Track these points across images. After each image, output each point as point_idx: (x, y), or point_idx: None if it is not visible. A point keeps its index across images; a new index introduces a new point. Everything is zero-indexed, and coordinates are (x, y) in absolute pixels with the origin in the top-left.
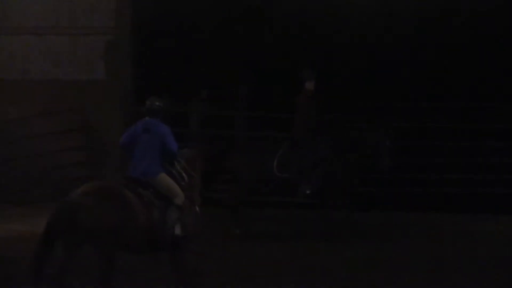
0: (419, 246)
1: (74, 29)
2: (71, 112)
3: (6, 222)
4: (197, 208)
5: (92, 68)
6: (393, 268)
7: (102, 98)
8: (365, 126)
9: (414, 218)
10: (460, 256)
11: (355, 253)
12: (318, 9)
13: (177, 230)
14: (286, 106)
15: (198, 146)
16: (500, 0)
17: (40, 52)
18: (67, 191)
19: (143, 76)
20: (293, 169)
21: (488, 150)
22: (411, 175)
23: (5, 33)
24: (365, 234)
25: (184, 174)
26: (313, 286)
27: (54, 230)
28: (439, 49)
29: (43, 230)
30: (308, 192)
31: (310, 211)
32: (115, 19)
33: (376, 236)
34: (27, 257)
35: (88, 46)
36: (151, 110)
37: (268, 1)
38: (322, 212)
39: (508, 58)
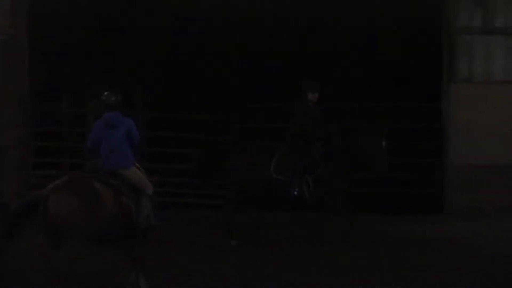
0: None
1: None
2: None
3: None
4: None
5: None
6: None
7: None
8: (361, 129)
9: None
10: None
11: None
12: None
13: (153, 219)
14: (183, 107)
15: None
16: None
17: None
18: None
19: (41, 76)
20: (287, 171)
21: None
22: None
23: None
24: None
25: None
26: None
27: (17, 221)
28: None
29: (7, 221)
30: (295, 193)
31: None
32: (10, 18)
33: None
34: None
35: None
36: (109, 105)
37: (161, 3)
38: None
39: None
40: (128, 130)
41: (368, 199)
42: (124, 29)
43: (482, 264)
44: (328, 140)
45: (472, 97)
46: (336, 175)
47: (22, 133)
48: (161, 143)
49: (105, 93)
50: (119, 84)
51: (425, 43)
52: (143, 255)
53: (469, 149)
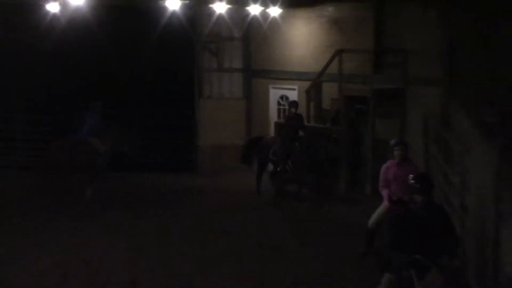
0: None
1: None
2: None
3: None
4: None
5: None
6: None
7: None
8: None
9: None
10: None
11: None
12: None
13: None
14: None
15: None
16: None
17: None
18: None
19: None
20: (278, 155)
21: None
22: None
23: None
24: None
25: None
26: None
27: None
28: None
29: None
30: (278, 169)
31: None
32: None
33: None
34: None
35: None
36: None
37: None
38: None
39: None
40: None
41: (151, 163)
42: None
43: (223, 198)
44: (300, 138)
45: (212, 107)
46: (302, 162)
47: None
48: None
49: None
50: None
51: (185, 76)
52: None
53: (211, 136)
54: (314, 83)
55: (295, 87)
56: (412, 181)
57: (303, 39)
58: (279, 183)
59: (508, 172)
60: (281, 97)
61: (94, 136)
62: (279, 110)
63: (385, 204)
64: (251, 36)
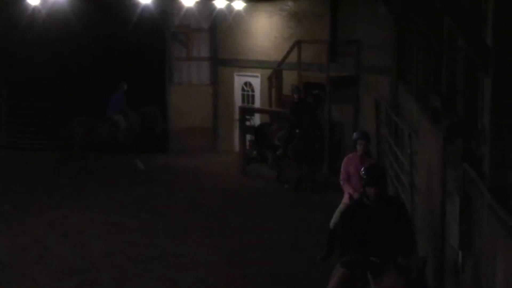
0: None
1: None
2: None
3: None
4: None
5: None
6: None
7: None
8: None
9: None
10: None
11: None
12: None
13: None
14: None
15: None
16: None
17: None
18: None
19: None
20: (281, 140)
21: None
22: None
23: None
24: None
25: None
26: None
27: None
28: None
29: None
30: (277, 153)
31: None
32: None
33: None
34: None
35: None
36: None
37: None
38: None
39: None
40: None
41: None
42: None
43: (192, 176)
44: (300, 125)
45: (182, 93)
46: (299, 149)
47: None
48: None
49: None
50: None
51: (156, 64)
52: None
53: (180, 119)
54: (275, 71)
55: (258, 74)
56: (362, 173)
57: (265, 31)
58: (245, 164)
59: (451, 152)
60: (245, 83)
61: (118, 113)
62: (243, 95)
63: (345, 202)
64: (217, 28)
